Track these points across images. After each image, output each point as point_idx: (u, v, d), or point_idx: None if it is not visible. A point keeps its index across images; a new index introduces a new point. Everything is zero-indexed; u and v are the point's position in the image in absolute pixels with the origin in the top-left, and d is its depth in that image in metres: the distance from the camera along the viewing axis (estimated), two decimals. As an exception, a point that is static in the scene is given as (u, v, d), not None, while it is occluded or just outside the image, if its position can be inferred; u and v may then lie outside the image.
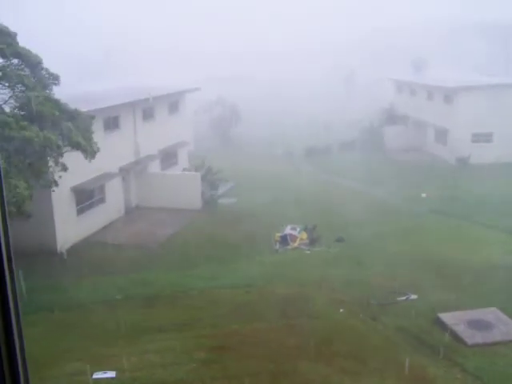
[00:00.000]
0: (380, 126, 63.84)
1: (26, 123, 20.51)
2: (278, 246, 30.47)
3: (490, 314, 18.72)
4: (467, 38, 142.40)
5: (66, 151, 23.16)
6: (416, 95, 65.13)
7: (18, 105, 22.16)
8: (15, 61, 22.59)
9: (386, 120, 66.30)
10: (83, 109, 24.75)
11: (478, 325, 17.83)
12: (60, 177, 24.33)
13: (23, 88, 22.19)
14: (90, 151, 23.79)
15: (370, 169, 50.86)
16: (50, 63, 24.79)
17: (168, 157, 43.64)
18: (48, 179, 23.54)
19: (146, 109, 40.40)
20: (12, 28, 22.53)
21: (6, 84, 22.15)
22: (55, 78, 24.10)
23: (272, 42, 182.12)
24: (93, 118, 25.55)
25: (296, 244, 30.64)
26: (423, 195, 40.48)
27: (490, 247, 28.55)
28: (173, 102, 46.01)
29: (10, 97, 22.28)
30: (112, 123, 35.74)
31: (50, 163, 23.14)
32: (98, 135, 27.94)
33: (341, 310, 20.23)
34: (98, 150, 24.90)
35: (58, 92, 24.62)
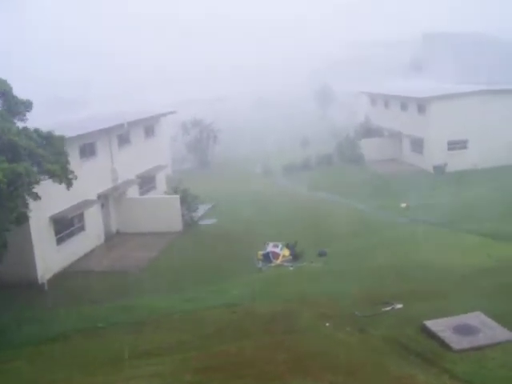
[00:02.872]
0: (357, 138, 64.22)
1: None
2: (261, 265, 30.34)
3: (475, 318, 18.71)
4: (441, 48, 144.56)
5: (39, 180, 22.90)
6: (390, 107, 65.74)
7: None
8: None
9: (362, 132, 66.77)
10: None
11: (464, 330, 17.81)
12: (31, 210, 24.08)
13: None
14: (64, 178, 23.56)
15: (349, 181, 51.18)
16: (22, 91, 24.66)
17: (146, 181, 43.48)
18: (19, 212, 23.16)
19: (121, 134, 40.28)
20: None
21: None
22: (27, 106, 23.93)
23: (247, 58, 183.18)
24: (63, 138, 25.09)
25: (279, 261, 30.54)
26: (403, 205, 40.67)
27: (471, 252, 28.68)
28: (149, 126, 45.95)
29: None
30: (88, 150, 35.55)
31: (24, 195, 22.81)
32: (75, 163, 27.86)
33: (327, 324, 20.10)
34: (75, 177, 24.70)
35: (32, 121, 24.46)
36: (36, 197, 23.35)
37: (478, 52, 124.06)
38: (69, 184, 24.38)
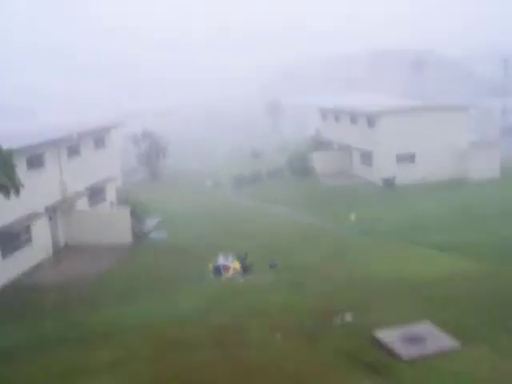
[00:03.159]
0: (308, 151, 64.80)
1: None
2: (211, 277, 30.17)
3: (423, 327, 19.08)
4: (389, 66, 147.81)
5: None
6: (340, 121, 66.62)
7: None
8: None
9: (313, 146, 67.41)
10: (4, 146, 23.88)
11: (413, 339, 18.12)
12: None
13: None
14: (11, 189, 23.01)
15: (299, 194, 51.57)
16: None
17: (96, 193, 42.82)
18: None
19: (71, 146, 39.60)
20: None
21: None
22: None
23: (197, 71, 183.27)
24: (11, 152, 24.53)
25: (230, 273, 30.42)
26: (352, 218, 41.15)
27: (418, 263, 29.26)
28: (99, 137, 45.35)
29: None
30: (36, 161, 34.79)
31: None
32: (22, 174, 27.10)
33: (277, 336, 20.15)
34: (22, 185, 24.16)
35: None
36: None
37: (425, 69, 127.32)
38: (16, 194, 23.83)
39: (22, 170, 30.08)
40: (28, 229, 33.10)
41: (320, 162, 62.01)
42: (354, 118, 61.69)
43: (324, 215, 43.52)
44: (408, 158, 54.44)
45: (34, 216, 33.13)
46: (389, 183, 52.16)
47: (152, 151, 67.85)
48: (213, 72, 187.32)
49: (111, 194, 45.46)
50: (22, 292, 28.88)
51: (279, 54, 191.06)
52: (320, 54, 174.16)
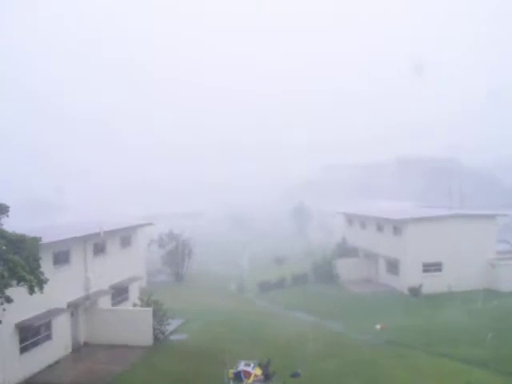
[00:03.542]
0: (333, 258, 64.43)
1: None
2: (231, 384, 29.27)
3: None
4: (413, 172, 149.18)
5: (10, 286, 22.37)
6: (366, 227, 66.55)
7: None
8: None
9: (338, 252, 67.09)
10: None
11: None
12: (4, 309, 23.40)
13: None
14: (35, 284, 23.03)
15: (323, 301, 50.78)
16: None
17: (119, 292, 42.66)
18: None
19: (97, 243, 39.94)
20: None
21: None
22: (4, 209, 23.81)
23: (224, 177, 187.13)
24: (38, 241, 24.77)
25: (250, 381, 29.48)
26: (377, 327, 40.18)
27: (444, 378, 28.12)
28: (125, 236, 45.74)
29: None
30: (62, 258, 35.02)
31: None
32: (47, 270, 27.22)
33: None
34: (46, 280, 24.19)
35: (7, 224, 24.30)
36: (8, 300, 22.71)
37: (449, 177, 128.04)
38: (39, 289, 23.84)
39: (47, 265, 30.27)
40: (49, 324, 32.79)
41: (345, 268, 61.54)
42: (380, 225, 61.61)
43: (349, 323, 42.56)
44: (435, 267, 53.67)
45: (55, 312, 32.90)
46: (415, 292, 51.21)
47: (177, 252, 68.07)
48: (239, 178, 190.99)
49: (134, 294, 45.20)
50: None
51: (304, 161, 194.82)
52: (345, 161, 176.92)
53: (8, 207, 24.19)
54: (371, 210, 72.32)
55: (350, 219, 73.58)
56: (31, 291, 23.43)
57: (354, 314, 45.43)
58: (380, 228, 61.64)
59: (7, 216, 24.32)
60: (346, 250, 67.69)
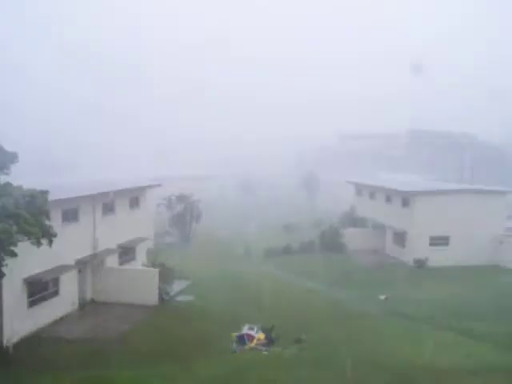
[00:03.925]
0: (340, 227, 64.49)
1: None
2: (234, 346, 29.67)
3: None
4: (425, 145, 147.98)
5: (17, 241, 22.58)
6: (375, 198, 66.46)
7: None
8: None
9: (346, 222, 67.11)
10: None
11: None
12: (6, 265, 23.68)
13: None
14: (46, 238, 23.22)
15: (329, 269, 50.95)
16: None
17: (126, 251, 43.04)
18: None
19: (106, 203, 40.16)
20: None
21: None
22: (13, 158, 23.74)
23: (236, 142, 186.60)
24: (46, 195, 24.86)
25: (253, 344, 29.91)
26: (381, 297, 40.41)
27: (445, 350, 28.31)
28: (134, 197, 45.93)
29: None
30: (71, 215, 35.27)
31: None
32: (56, 226, 27.47)
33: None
34: (55, 234, 24.39)
35: (17, 180, 24.36)
36: (12, 254, 22.95)
37: (461, 152, 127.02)
38: (49, 243, 24.07)
39: (56, 222, 30.55)
40: (57, 280, 33.25)
41: (352, 238, 61.63)
42: (389, 196, 61.48)
43: (354, 292, 42.79)
44: (442, 240, 53.63)
45: (63, 268, 33.31)
46: (420, 264, 51.33)
47: (185, 215, 68.33)
48: (252, 142, 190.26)
49: (142, 254, 45.60)
50: (42, 344, 28.72)
51: (319, 127, 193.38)
52: (359, 131, 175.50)
53: (17, 155, 24.10)
54: (381, 181, 72.12)
55: (360, 189, 73.47)
56: (38, 244, 23.64)
57: (359, 284, 45.62)
58: (389, 199, 61.53)
59: (17, 162, 24.23)
60: (354, 220, 67.71)
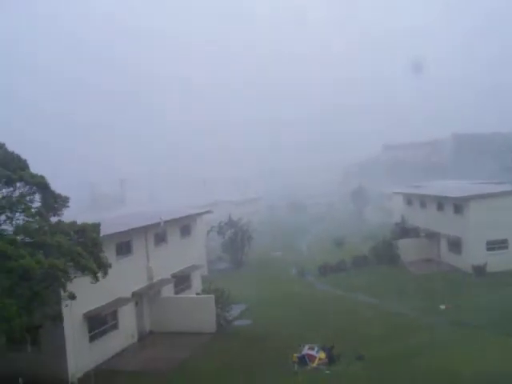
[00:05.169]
0: (393, 238, 63.57)
1: (26, 251, 20.42)
2: (296, 368, 29.37)
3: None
4: (469, 149, 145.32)
5: (74, 277, 22.96)
6: (426, 207, 65.36)
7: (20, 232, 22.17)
8: (24, 187, 23.00)
9: (398, 233, 66.15)
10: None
11: None
12: (66, 305, 24.11)
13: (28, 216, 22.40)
14: (98, 271, 23.59)
15: (385, 283, 50.21)
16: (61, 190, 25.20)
17: (181, 280, 43.29)
18: (55, 308, 23.13)
19: (158, 233, 40.60)
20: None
21: (9, 214, 22.38)
22: (64, 201, 24.30)
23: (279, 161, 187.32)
24: (98, 226, 25.29)
25: (315, 364, 29.58)
26: (442, 307, 39.53)
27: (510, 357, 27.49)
28: (185, 225, 46.28)
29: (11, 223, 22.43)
30: (124, 248, 35.79)
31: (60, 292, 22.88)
32: (111, 260, 27.84)
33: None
34: (110, 265, 24.75)
35: (69, 217, 24.85)
36: (72, 297, 23.29)
37: (505, 153, 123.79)
38: (104, 274, 24.42)
39: (111, 256, 30.98)
40: (115, 314, 33.66)
41: (406, 249, 60.56)
42: (440, 203, 60.35)
43: (412, 304, 41.93)
44: (500, 244, 52.22)
45: (121, 301, 33.70)
46: (479, 271, 49.98)
47: (236, 239, 68.46)
48: (296, 160, 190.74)
49: (196, 282, 45.81)
50: (105, 378, 29.05)
51: (363, 141, 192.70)
52: (402, 140, 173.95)
53: (68, 198, 24.66)
54: (430, 189, 70.95)
55: (409, 199, 72.41)
56: (95, 279, 23.97)
57: (418, 295, 44.71)
58: (440, 206, 60.34)
59: (67, 206, 24.79)
60: (406, 231, 66.65)
